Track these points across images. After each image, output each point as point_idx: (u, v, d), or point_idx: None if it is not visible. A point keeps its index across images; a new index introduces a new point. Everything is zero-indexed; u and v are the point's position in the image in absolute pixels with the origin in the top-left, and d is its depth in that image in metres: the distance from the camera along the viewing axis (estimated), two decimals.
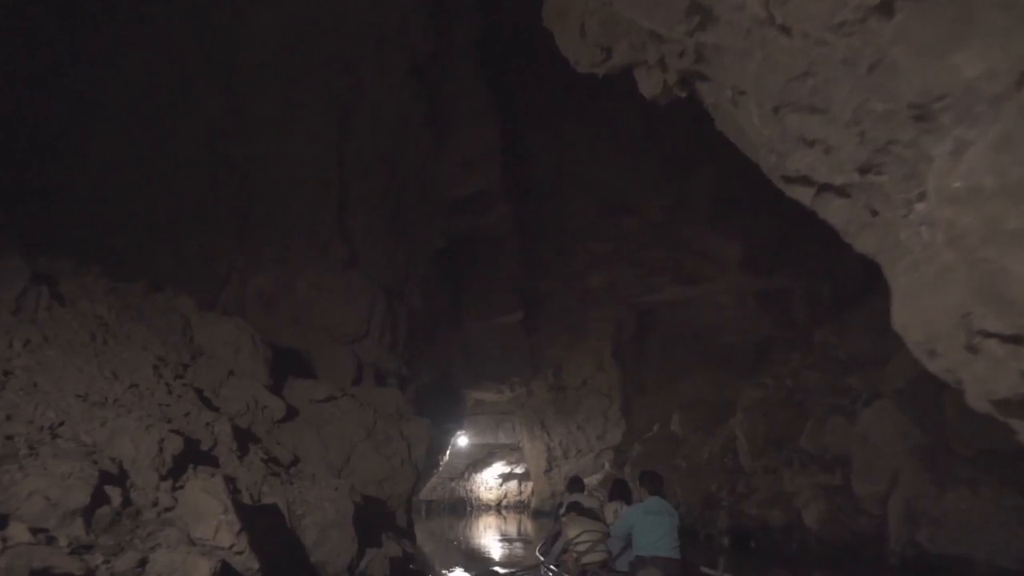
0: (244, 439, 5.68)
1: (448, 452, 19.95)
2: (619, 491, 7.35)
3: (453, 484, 26.53)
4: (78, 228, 9.27)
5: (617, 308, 20.47)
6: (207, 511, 3.80)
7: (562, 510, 6.70)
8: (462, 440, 22.88)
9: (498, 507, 27.17)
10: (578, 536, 5.84)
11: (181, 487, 4.23)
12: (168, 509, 3.97)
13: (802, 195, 2.54)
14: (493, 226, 19.08)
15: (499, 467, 27.24)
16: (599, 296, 19.91)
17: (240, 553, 3.72)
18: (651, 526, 5.14)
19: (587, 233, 18.30)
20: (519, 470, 26.83)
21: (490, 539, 18.84)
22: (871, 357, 13.29)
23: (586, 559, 5.72)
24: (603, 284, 19.72)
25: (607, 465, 20.16)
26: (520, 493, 27.20)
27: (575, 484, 7.64)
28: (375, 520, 6.13)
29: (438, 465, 19.19)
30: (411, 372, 12.19)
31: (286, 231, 10.54)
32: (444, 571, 10.73)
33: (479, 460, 26.31)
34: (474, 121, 15.92)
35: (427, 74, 14.33)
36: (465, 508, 26.77)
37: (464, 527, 22.32)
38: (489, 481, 27.58)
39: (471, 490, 27.47)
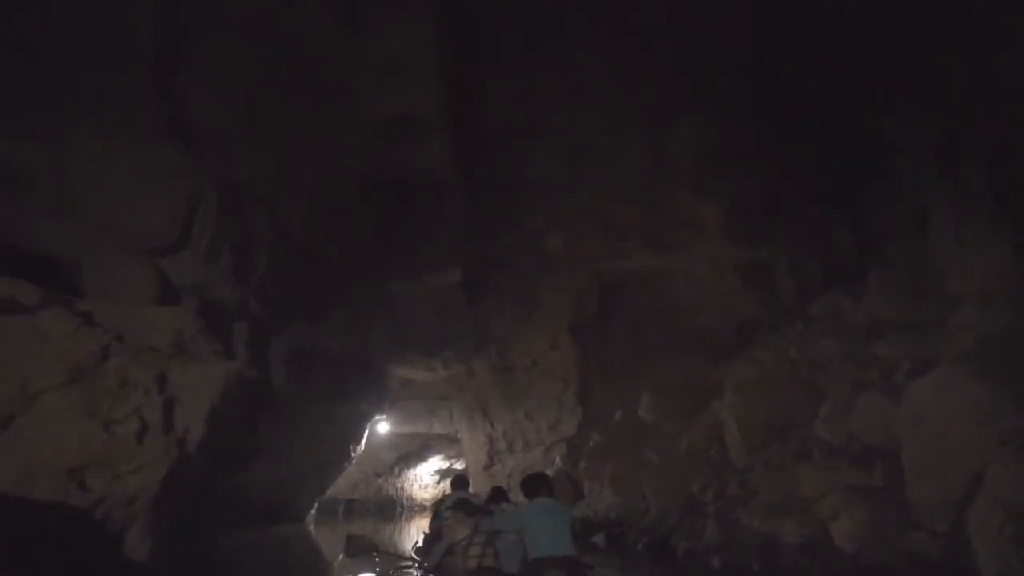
0: None
1: (364, 440, 16.29)
2: (498, 496, 6.83)
3: (380, 481, 22.78)
4: None
5: (577, 277, 17.23)
6: None
7: (445, 508, 6.17)
8: (382, 427, 19.16)
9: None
10: (464, 538, 5.31)
11: None
12: None
13: None
14: (429, 164, 15.64)
15: (436, 462, 23.66)
16: (558, 262, 16.85)
17: None
18: (544, 526, 4.81)
19: (547, 188, 15.33)
20: (459, 465, 23.28)
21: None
22: (906, 320, 10.21)
23: (475, 562, 5.21)
24: (563, 247, 16.70)
25: (559, 460, 16.79)
26: None
27: (459, 482, 7.11)
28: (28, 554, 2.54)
29: (350, 457, 15.56)
30: (280, 320, 8.59)
31: (75, 92, 6.82)
32: None
33: (412, 453, 22.63)
34: (400, 8, 12.29)
35: None
36: (395, 509, 23.12)
37: (392, 532, 18.68)
38: (424, 478, 23.94)
39: (402, 488, 23.77)
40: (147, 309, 5.13)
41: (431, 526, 6.79)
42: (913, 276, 11.17)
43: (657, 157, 14.97)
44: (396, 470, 23.20)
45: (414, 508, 23.81)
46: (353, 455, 15.63)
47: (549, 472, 16.46)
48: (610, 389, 17.28)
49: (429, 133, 14.84)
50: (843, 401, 9.32)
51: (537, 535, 4.78)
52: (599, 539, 12.02)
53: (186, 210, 6.48)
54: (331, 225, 12.32)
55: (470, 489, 7.38)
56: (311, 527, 16.13)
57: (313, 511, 16.81)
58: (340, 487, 20.12)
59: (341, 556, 7.52)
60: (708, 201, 15.03)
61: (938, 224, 10.78)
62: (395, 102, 13.57)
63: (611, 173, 15.18)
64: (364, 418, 15.32)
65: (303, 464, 13.78)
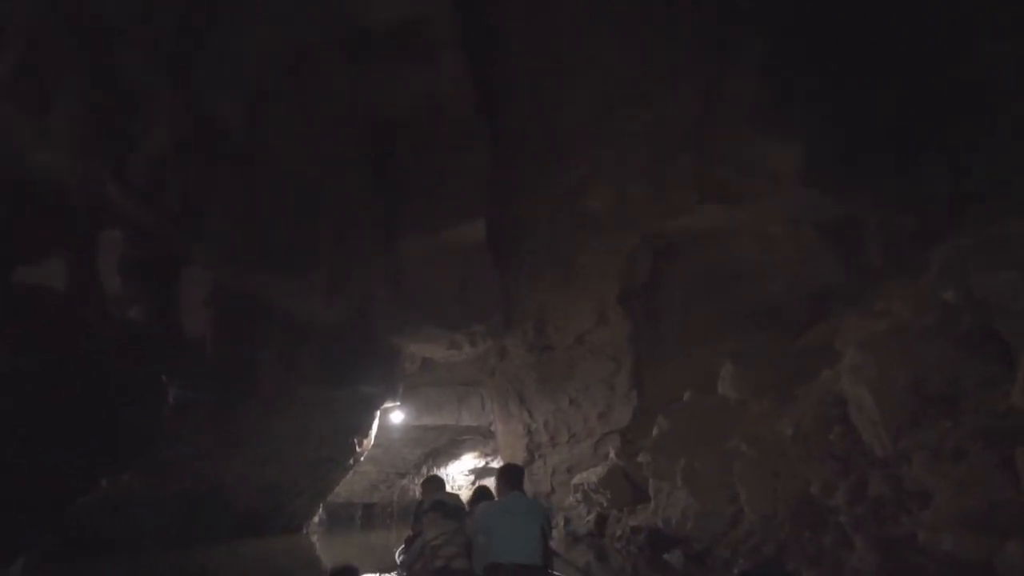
0: None
1: (374, 433, 13.51)
2: (481, 496, 6.21)
3: (404, 482, 19.95)
4: None
5: (626, 238, 14.39)
6: None
7: (423, 511, 5.67)
8: (399, 417, 16.32)
9: None
10: (436, 539, 5.05)
11: None
12: None
13: None
14: (442, 91, 13.00)
15: (470, 460, 20.84)
16: (601, 221, 14.23)
17: None
18: (509, 527, 4.46)
19: (585, 133, 12.98)
20: (497, 464, 20.42)
21: None
22: None
23: (443, 564, 4.90)
24: (607, 204, 14.18)
25: (612, 454, 13.84)
26: None
27: (434, 483, 6.42)
28: None
29: (355, 452, 12.76)
30: (201, 249, 5.79)
31: None
32: None
33: (440, 450, 19.80)
34: None
35: None
36: None
37: None
38: (457, 478, 21.08)
39: None
40: None
41: (413, 528, 6.61)
42: None
43: (713, 89, 12.03)
44: (424, 469, 20.46)
45: None
46: (360, 451, 12.87)
47: (603, 469, 13.52)
48: (671, 366, 14.32)
49: (440, 49, 12.19)
50: None
51: (500, 537, 4.42)
52: (673, 556, 8.98)
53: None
54: (311, 157, 9.65)
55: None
56: (313, 537, 13.42)
57: (316, 519, 14.12)
58: (356, 489, 17.49)
59: None
60: (779, 141, 11.96)
61: None
62: (397, 4, 11.04)
63: (658, 112, 12.37)
64: (370, 405, 12.55)
65: (292, 461, 11.07)
